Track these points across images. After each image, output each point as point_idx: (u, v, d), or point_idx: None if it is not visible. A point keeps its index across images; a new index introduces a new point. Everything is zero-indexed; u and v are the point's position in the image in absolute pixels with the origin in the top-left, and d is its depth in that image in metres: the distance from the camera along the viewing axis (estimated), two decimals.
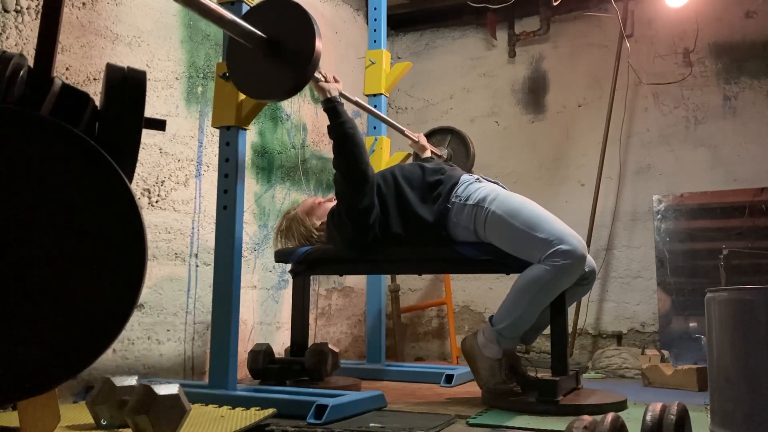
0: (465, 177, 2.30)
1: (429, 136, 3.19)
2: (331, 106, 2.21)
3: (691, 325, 3.18)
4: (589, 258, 2.21)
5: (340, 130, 2.20)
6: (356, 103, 2.55)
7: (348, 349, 3.67)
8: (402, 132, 2.94)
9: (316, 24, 1.89)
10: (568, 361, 2.17)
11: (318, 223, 2.50)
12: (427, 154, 2.99)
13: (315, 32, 1.86)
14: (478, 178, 2.31)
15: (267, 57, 1.91)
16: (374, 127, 3.07)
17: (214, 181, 2.63)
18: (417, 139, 2.95)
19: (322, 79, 2.23)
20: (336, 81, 2.28)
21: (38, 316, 1.14)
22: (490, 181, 2.32)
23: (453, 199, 2.22)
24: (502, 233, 2.14)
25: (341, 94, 2.28)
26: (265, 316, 3.02)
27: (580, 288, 2.27)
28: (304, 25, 1.89)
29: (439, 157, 3.10)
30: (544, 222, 2.09)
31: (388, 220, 2.27)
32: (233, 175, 2.08)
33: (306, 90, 3.33)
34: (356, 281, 3.74)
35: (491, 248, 2.19)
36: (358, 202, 2.21)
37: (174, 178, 2.52)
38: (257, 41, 1.88)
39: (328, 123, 2.24)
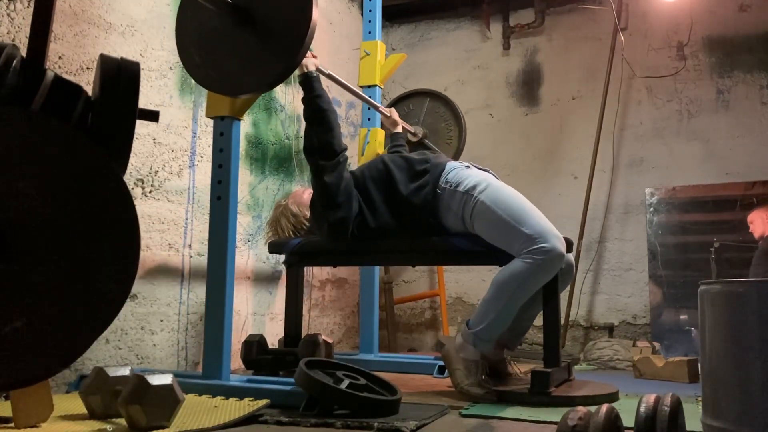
0: (452, 164, 2.29)
1: (404, 99, 3.07)
2: (307, 80, 2.19)
3: (681, 317, 3.20)
4: (568, 255, 2.20)
5: (314, 105, 2.18)
6: (329, 76, 2.41)
7: (341, 340, 3.68)
8: (375, 107, 2.84)
9: None
10: (560, 353, 2.18)
11: (309, 214, 2.49)
12: (398, 129, 2.86)
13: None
14: (468, 165, 2.30)
15: (238, 29, 1.57)
16: (368, 119, 3.06)
17: (208, 172, 2.61)
18: (389, 114, 2.85)
19: None
20: (314, 57, 2.24)
21: (30, 306, 1.13)
22: (481, 169, 2.30)
23: (442, 185, 2.21)
24: (487, 222, 2.13)
25: (318, 69, 2.24)
26: (258, 307, 3.02)
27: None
28: None
29: (413, 135, 2.97)
30: (529, 217, 2.09)
31: (376, 208, 2.25)
32: (227, 166, 2.08)
33: None
34: (349, 273, 3.74)
35: (484, 240, 2.19)
36: (332, 192, 2.17)
37: (168, 169, 2.51)
38: (224, 6, 1.52)
39: (302, 96, 2.20)
